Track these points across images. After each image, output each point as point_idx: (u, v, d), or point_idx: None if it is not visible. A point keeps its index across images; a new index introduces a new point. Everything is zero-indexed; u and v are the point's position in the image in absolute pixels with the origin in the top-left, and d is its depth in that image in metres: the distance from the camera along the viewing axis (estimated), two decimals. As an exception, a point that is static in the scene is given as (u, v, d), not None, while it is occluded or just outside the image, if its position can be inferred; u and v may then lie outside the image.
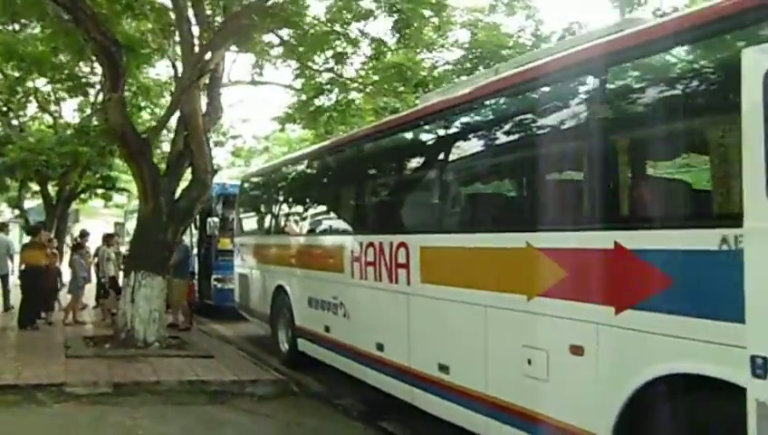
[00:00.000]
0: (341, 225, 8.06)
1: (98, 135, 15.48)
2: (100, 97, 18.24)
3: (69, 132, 17.62)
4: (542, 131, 4.74)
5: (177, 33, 10.23)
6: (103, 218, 43.35)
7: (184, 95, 9.26)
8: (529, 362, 4.49)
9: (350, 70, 12.89)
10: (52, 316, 10.99)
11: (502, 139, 5.16)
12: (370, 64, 11.62)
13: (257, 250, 10.88)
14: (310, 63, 12.80)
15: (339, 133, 21.71)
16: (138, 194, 9.26)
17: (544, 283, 4.39)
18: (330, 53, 11.74)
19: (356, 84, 11.83)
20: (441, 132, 5.94)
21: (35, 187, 22.39)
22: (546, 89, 4.79)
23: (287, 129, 28.97)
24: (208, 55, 9.34)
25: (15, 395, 6.20)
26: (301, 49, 11.31)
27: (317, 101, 14.15)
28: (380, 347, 6.50)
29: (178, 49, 11.77)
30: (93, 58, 13.48)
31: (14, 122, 19.73)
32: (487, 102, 5.32)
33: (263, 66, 13.31)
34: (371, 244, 6.72)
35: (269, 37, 12.34)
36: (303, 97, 15.27)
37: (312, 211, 9.04)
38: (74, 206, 23.08)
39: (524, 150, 4.88)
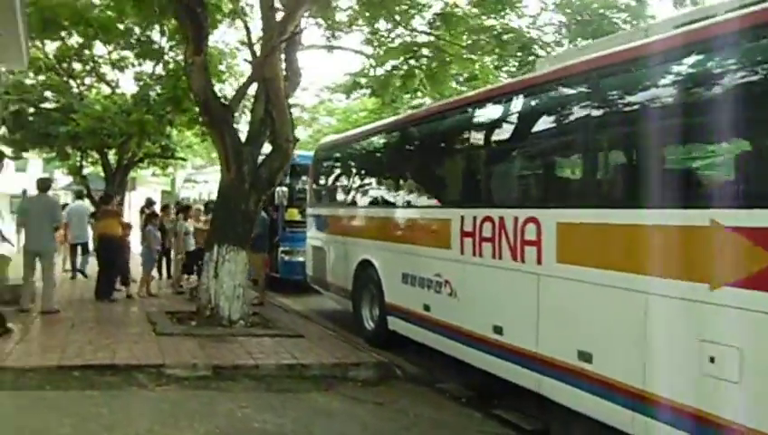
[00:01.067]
0: (448, 197, 7.49)
1: (160, 103, 15.20)
2: (160, 66, 18.26)
3: (131, 101, 17.48)
4: (731, 92, 4.03)
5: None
6: (150, 187, 43.78)
7: (266, 59, 8.74)
8: (711, 359, 3.89)
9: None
10: (130, 289, 10.74)
11: (687, 97, 4.48)
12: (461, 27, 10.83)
13: (336, 222, 10.41)
14: (388, 28, 12.16)
15: (403, 103, 21.28)
16: (221, 163, 8.81)
17: (737, 269, 3.77)
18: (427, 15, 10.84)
19: (453, 46, 10.94)
20: (596, 91, 5.18)
21: (94, 156, 22.50)
22: (732, 48, 4.08)
23: (333, 99, 28.56)
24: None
25: (114, 376, 5.88)
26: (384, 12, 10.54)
27: (390, 67, 13.52)
28: (498, 330, 6.00)
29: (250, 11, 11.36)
30: (160, 24, 13.23)
31: (74, 91, 19.63)
32: (661, 59, 4.60)
33: (335, 29, 12.74)
34: (488, 218, 6.16)
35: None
36: (371, 63, 14.72)
37: (408, 182, 8.47)
38: (131, 174, 23.08)
39: (716, 111, 4.15)
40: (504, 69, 14.65)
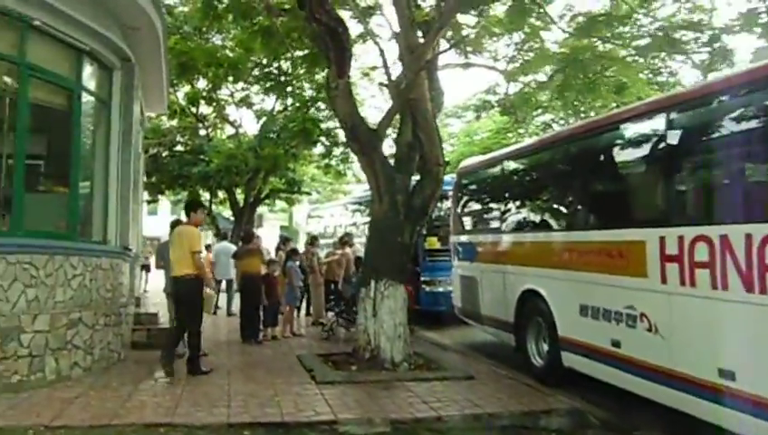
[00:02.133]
0: (641, 215, 6.41)
1: (289, 137, 15.16)
2: (280, 102, 18.43)
3: (255, 139, 17.70)
4: None
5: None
6: (268, 222, 44.88)
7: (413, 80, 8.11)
8: None
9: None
10: (275, 330, 10.35)
11: None
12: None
13: (490, 249, 9.52)
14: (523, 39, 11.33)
15: (530, 120, 20.27)
16: (371, 193, 8.22)
17: None
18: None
19: (613, 50, 9.86)
20: None
21: (220, 195, 23.13)
22: None
23: (449, 123, 27.85)
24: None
25: (287, 435, 5.25)
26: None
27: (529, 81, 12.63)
28: (727, 374, 4.86)
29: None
30: (289, 54, 13.11)
31: (201, 132, 20.22)
32: None
33: (466, 48, 12.06)
34: (703, 238, 5.06)
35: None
36: (504, 79, 13.90)
37: (583, 201, 7.48)
38: (259, 210, 23.49)
39: None
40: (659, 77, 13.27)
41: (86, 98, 7.64)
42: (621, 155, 6.93)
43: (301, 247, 14.38)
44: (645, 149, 6.40)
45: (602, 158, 7.19)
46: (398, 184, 8.12)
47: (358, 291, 10.32)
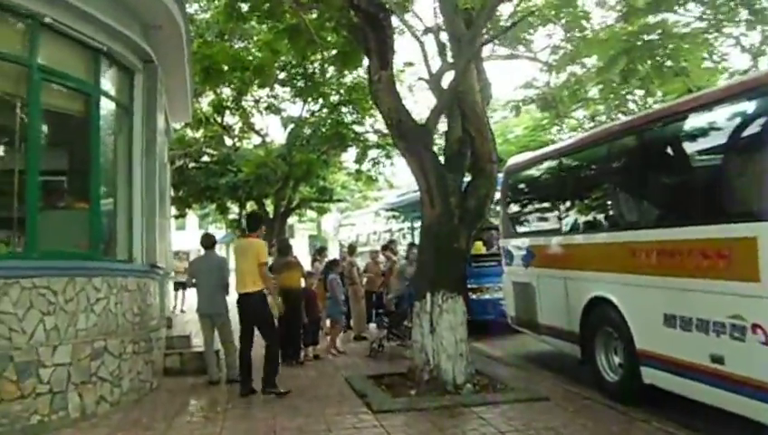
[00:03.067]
0: (752, 206, 5.42)
1: (321, 141, 14.42)
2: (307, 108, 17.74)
3: (284, 147, 17.06)
4: None
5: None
6: (298, 233, 44.21)
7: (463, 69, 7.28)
8: None
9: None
10: (317, 348, 9.56)
11: None
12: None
13: (548, 253, 8.64)
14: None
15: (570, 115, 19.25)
16: (421, 195, 7.38)
17: None
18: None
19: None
20: None
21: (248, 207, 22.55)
22: None
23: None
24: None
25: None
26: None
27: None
28: None
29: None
30: (318, 55, 12.37)
31: (228, 142, 19.62)
32: None
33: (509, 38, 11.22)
34: None
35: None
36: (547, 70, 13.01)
37: (664, 195, 6.56)
38: (289, 221, 22.81)
39: None
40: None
41: (105, 103, 6.94)
42: (724, 135, 5.94)
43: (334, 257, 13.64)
44: (758, 125, 5.40)
45: (700, 140, 6.19)
46: (451, 184, 7.29)
47: (410, 304, 9.58)
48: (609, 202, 7.59)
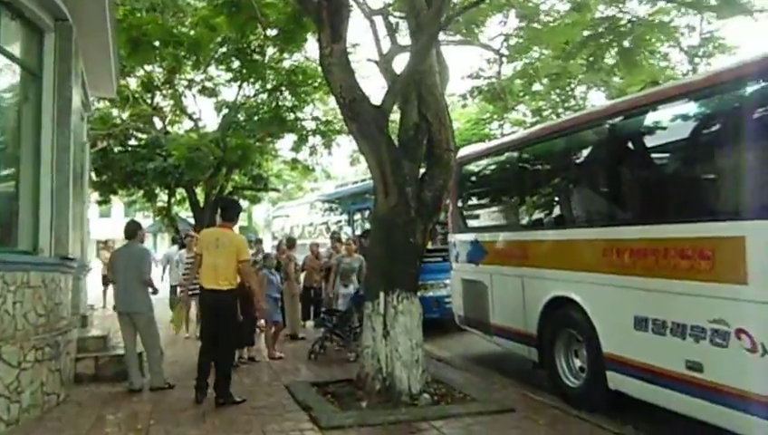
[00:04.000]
0: (740, 203, 4.95)
1: (259, 126, 13.44)
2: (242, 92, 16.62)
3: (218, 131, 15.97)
4: None
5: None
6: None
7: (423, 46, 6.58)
8: None
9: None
10: (252, 350, 8.69)
11: None
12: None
13: (503, 249, 8.14)
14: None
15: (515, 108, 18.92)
16: (374, 184, 6.65)
17: None
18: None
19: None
20: None
21: (179, 194, 21.25)
22: None
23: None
24: None
25: None
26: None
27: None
28: None
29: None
30: (259, 31, 11.46)
31: (158, 126, 18.30)
32: None
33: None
34: None
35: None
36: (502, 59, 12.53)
37: (641, 190, 6.08)
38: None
39: None
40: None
41: (5, 65, 5.86)
42: (710, 124, 5.46)
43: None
44: (750, 114, 4.91)
45: (682, 130, 5.68)
46: (408, 173, 6.58)
47: (355, 302, 8.86)
48: (577, 196, 7.08)
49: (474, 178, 9.52)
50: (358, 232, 13.94)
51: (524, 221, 7.88)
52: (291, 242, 11.40)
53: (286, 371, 8.02)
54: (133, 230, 7.14)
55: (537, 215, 7.78)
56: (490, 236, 8.59)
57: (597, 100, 18.56)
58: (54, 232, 6.22)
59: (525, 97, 17.59)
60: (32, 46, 6.26)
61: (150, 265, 7.21)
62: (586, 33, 7.75)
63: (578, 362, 6.70)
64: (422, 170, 7.11)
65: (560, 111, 17.79)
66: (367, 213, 14.69)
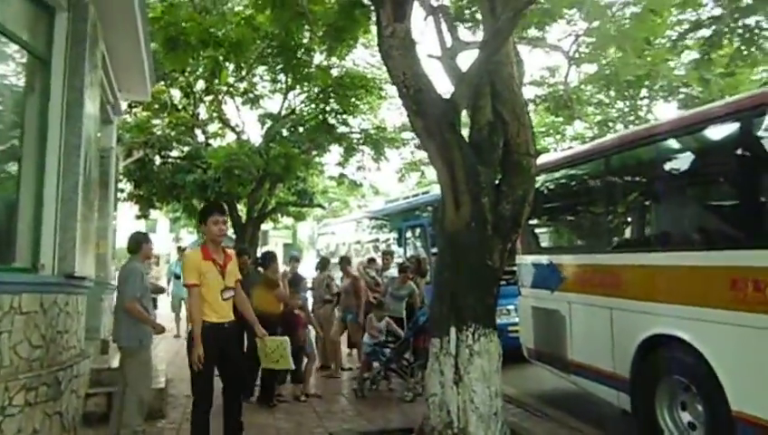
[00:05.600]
0: None
1: (303, 135, 12.43)
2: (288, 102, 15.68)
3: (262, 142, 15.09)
4: None
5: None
6: (272, 240, 42.09)
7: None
8: None
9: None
10: (297, 388, 7.47)
11: None
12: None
13: (586, 275, 6.84)
14: None
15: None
16: (442, 193, 5.44)
17: None
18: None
19: None
20: None
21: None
22: None
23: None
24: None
25: None
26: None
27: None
28: None
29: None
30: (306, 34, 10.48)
31: (201, 138, 17.54)
32: None
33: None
34: None
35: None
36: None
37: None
38: (263, 227, 20.70)
39: None
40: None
41: (6, 48, 4.89)
42: None
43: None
44: None
45: None
46: (484, 181, 5.35)
47: (414, 333, 7.67)
48: (694, 212, 5.73)
49: (550, 191, 8.23)
50: (410, 252, 12.78)
51: (616, 242, 6.59)
52: (324, 263, 10.34)
53: (332, 413, 6.83)
54: (136, 243, 5.78)
55: (634, 235, 6.47)
56: (570, 258, 7.34)
57: (665, 112, 17.09)
58: (59, 247, 5.19)
59: (591, 107, 16.19)
60: (39, 27, 5.29)
61: (134, 287, 5.50)
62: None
63: (686, 417, 5.39)
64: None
65: (630, 122, 16.31)
66: (418, 231, 13.55)
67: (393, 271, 10.20)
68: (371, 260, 11.26)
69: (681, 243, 5.68)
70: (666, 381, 5.49)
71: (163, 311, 13.02)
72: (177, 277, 8.90)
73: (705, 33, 7.04)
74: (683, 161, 6.02)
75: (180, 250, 13.44)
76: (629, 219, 6.65)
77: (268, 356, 5.44)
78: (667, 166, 6.19)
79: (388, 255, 11.11)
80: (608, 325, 6.28)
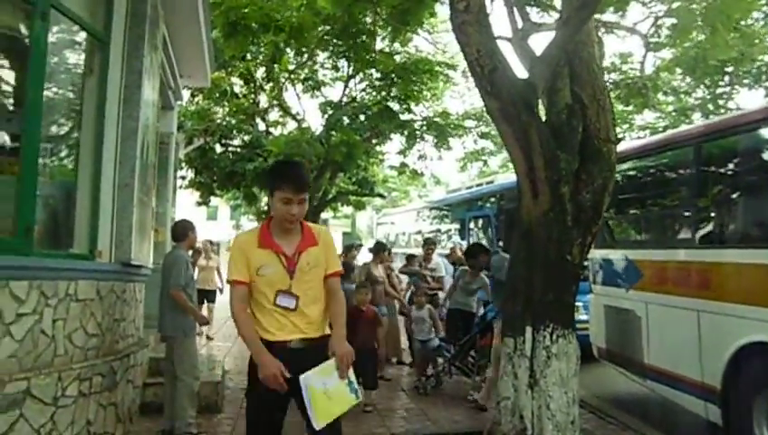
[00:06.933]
0: None
1: (363, 123, 12.13)
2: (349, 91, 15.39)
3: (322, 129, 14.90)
4: None
5: None
6: (332, 229, 42.29)
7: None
8: None
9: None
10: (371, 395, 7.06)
11: None
12: None
13: (667, 272, 6.33)
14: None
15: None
16: (518, 180, 5.02)
17: None
18: None
19: None
20: None
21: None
22: None
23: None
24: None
25: None
26: None
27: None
28: None
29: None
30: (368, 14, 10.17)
31: (261, 127, 17.51)
32: None
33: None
34: None
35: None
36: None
37: None
38: (323, 216, 20.62)
39: None
40: None
41: (61, 23, 4.73)
42: None
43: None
44: None
45: None
46: (564, 168, 4.90)
47: (481, 328, 7.31)
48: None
49: (627, 180, 7.68)
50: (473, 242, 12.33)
51: (704, 236, 6.03)
52: (378, 247, 9.50)
53: (393, 411, 6.51)
54: (182, 231, 5.62)
55: (729, 228, 5.88)
56: (648, 254, 6.81)
57: (749, 101, 15.99)
58: (116, 234, 5.04)
59: (665, 95, 15.29)
60: (98, 5, 5.12)
61: (180, 275, 5.42)
62: None
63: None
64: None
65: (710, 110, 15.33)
66: (480, 222, 13.09)
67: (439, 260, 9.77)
68: (411, 257, 10.23)
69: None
70: (765, 394, 4.96)
71: (223, 312, 12.43)
72: None
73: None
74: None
75: None
76: (723, 212, 6.05)
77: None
78: (745, 162, 5.63)
79: (430, 244, 10.29)
80: (694, 329, 5.78)
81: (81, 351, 4.46)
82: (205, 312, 9.73)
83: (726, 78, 14.82)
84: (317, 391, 2.85)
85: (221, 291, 11.30)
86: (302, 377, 2.84)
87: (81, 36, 5.11)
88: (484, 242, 12.32)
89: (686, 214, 6.41)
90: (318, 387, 2.86)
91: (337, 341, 3.06)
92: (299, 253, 3.16)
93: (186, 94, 12.21)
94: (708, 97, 15.46)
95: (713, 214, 6.11)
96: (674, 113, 16.65)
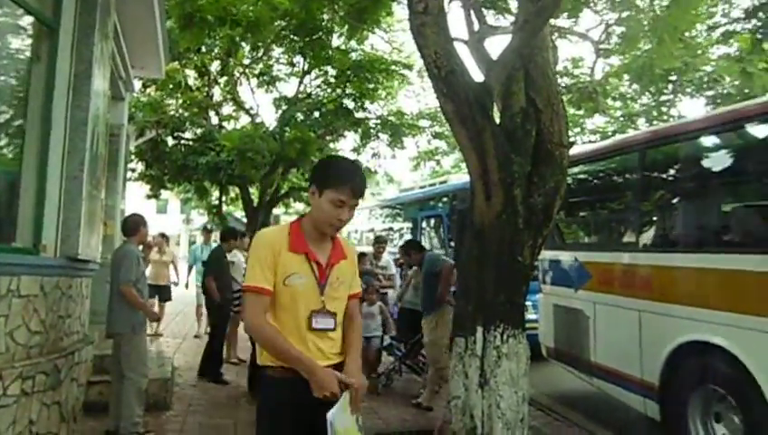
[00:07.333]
0: None
1: (318, 120, 12.08)
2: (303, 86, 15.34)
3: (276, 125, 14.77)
4: None
5: None
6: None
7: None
8: None
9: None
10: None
11: None
12: None
13: (614, 274, 6.50)
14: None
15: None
16: (472, 182, 5.09)
17: None
18: None
19: None
20: None
21: (232, 192, 20.23)
22: None
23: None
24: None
25: None
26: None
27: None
28: None
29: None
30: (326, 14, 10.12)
31: (214, 121, 17.23)
32: None
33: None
34: None
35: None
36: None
37: None
38: (275, 211, 20.45)
39: None
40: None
41: (5, 5, 4.56)
42: None
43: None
44: None
45: None
46: (517, 171, 5.00)
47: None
48: (737, 213, 5.39)
49: (578, 184, 7.89)
50: (427, 242, 12.42)
51: (650, 240, 6.25)
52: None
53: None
54: (134, 226, 5.50)
55: (669, 233, 6.11)
56: (597, 255, 6.99)
57: (691, 109, 16.60)
58: (62, 227, 4.89)
59: (614, 101, 15.70)
60: (46, -12, 4.97)
61: (135, 270, 5.33)
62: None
63: (721, 430, 5.10)
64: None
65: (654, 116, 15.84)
66: (432, 221, 13.19)
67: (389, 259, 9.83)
68: (362, 255, 10.41)
69: (722, 244, 5.36)
70: (700, 391, 5.18)
71: (174, 307, 12.40)
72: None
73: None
74: (728, 158, 5.66)
75: (206, 231, 12.30)
76: (665, 217, 6.28)
77: None
78: (711, 162, 5.83)
79: (381, 243, 10.33)
80: (636, 329, 6.00)
81: (23, 349, 4.32)
82: (156, 308, 9.60)
83: (670, 86, 15.32)
84: (340, 431, 2.48)
85: (176, 284, 11.19)
86: (329, 414, 2.44)
87: (28, 21, 4.94)
88: (436, 241, 12.44)
89: (631, 218, 6.61)
90: (340, 428, 2.49)
91: (355, 372, 2.57)
92: (331, 265, 2.63)
93: (137, 85, 11.91)
94: (653, 104, 15.96)
95: (654, 218, 6.34)
96: (621, 118, 17.14)
